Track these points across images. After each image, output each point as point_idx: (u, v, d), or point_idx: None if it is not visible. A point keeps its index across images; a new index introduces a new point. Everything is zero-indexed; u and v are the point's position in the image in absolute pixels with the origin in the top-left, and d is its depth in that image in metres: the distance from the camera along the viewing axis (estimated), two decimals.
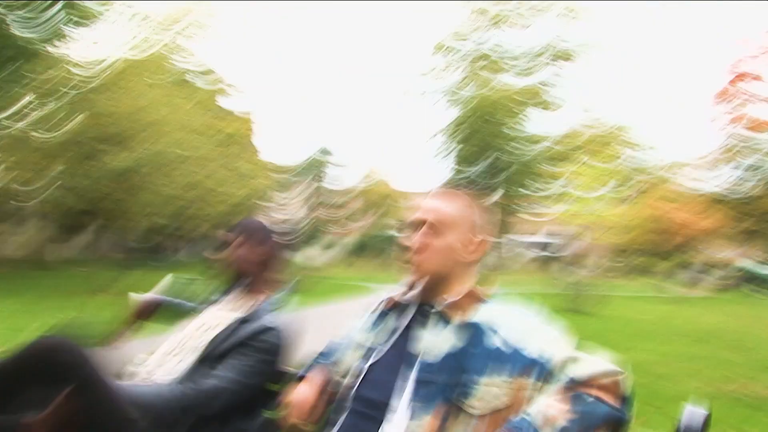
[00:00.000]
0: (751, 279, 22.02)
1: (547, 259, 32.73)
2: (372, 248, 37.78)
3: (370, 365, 1.36)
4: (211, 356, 1.67)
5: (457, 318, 1.32)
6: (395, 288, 1.53)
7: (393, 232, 38.79)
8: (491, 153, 24.34)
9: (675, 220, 25.85)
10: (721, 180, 26.25)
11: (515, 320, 1.30)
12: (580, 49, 25.09)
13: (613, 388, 1.15)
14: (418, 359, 1.28)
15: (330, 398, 1.43)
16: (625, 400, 1.16)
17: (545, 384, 1.19)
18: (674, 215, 25.91)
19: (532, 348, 1.22)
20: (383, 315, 1.48)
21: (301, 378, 1.52)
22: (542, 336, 1.26)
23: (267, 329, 1.73)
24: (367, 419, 1.27)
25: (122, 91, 11.58)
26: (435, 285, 1.38)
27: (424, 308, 1.39)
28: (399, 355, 1.33)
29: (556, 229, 29.90)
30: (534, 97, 25.23)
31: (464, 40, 25.37)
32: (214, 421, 1.62)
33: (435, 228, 1.39)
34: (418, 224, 1.41)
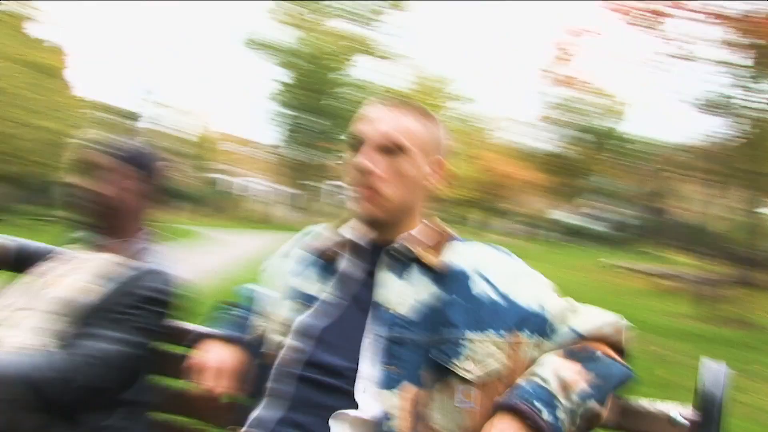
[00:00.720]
0: (561, 229, 24.47)
1: None
2: (199, 195, 36.18)
3: (325, 323, 1.06)
4: (87, 311, 1.28)
5: (431, 260, 1.06)
6: (333, 226, 1.22)
7: (220, 178, 37.34)
8: (320, 98, 24.18)
9: (495, 172, 27.20)
10: (541, 136, 28.44)
11: (501, 264, 1.07)
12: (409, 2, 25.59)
13: (617, 341, 1.02)
14: (385, 312, 1.02)
15: (257, 362, 1.12)
16: (627, 354, 1.03)
17: (543, 339, 1.01)
18: (495, 167, 27.24)
19: (525, 296, 1.02)
20: (324, 258, 1.16)
21: (211, 336, 1.18)
22: (533, 282, 1.07)
23: (156, 273, 1.37)
24: (325, 389, 0.99)
25: None
26: (395, 220, 1.10)
27: (382, 249, 1.09)
28: (359, 307, 1.06)
29: None
30: (362, 45, 25.33)
31: None
32: (105, 391, 1.25)
33: (400, 148, 1.07)
34: (376, 144, 1.08)
